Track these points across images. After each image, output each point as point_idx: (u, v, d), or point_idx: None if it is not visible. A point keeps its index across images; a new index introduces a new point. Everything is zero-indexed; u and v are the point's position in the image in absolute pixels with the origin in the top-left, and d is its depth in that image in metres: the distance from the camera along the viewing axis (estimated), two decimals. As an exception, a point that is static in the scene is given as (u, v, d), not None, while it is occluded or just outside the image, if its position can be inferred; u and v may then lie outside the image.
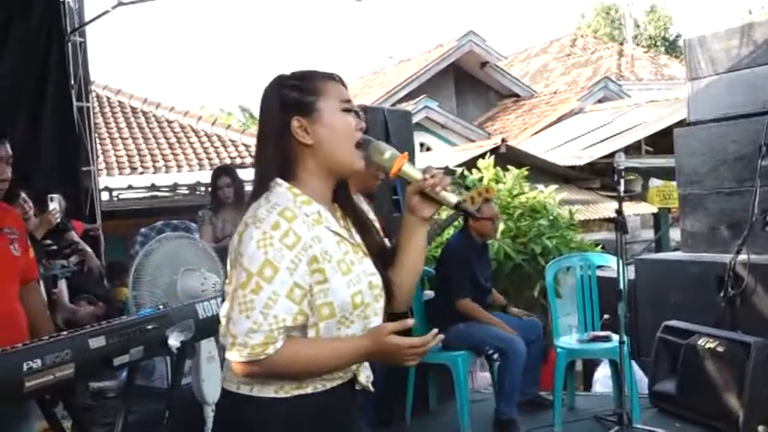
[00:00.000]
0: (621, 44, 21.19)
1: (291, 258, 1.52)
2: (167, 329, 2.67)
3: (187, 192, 8.71)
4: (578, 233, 8.05)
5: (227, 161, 10.70)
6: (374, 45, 59.03)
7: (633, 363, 5.72)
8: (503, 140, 10.31)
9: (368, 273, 1.66)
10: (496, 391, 4.48)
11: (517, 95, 16.13)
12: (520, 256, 6.91)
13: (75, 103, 5.97)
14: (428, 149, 13.90)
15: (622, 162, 4.08)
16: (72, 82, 5.97)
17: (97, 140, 10.32)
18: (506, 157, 9.55)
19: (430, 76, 14.97)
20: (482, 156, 8.59)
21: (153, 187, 8.83)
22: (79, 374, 2.28)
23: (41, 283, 4.03)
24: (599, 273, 4.82)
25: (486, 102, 16.25)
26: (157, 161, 11.02)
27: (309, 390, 1.62)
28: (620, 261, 4.05)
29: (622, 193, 4.18)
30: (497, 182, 7.61)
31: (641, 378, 4.98)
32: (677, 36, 26.98)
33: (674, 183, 5.71)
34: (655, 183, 11.36)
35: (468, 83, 15.82)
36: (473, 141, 13.08)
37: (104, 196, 7.92)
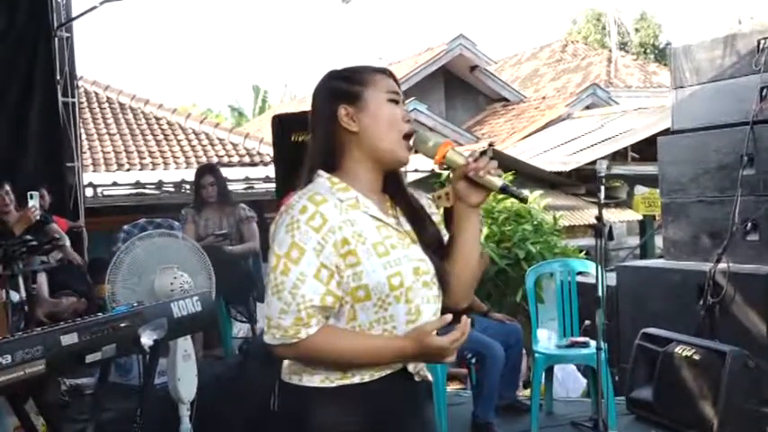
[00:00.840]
0: (611, 51, 21.28)
1: (318, 240, 1.56)
2: (140, 327, 2.66)
3: (173, 189, 8.69)
4: (563, 239, 8.06)
5: (215, 159, 10.68)
6: (364, 47, 59.04)
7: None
8: (489, 145, 10.33)
9: (413, 258, 1.66)
10: (474, 394, 4.49)
11: (506, 100, 16.17)
12: (503, 261, 6.93)
13: (60, 99, 5.95)
14: (416, 152, 13.90)
15: (603, 169, 4.10)
16: (58, 77, 5.94)
17: (84, 136, 10.32)
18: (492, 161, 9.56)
19: (419, 79, 14.98)
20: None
21: (138, 184, 8.80)
22: (50, 371, 2.27)
23: (20, 278, 4.04)
24: (581, 279, 4.83)
25: (475, 106, 16.28)
26: (144, 158, 10.97)
27: (356, 380, 1.62)
28: (599, 267, 4.07)
29: (603, 200, 4.17)
30: (483, 186, 7.61)
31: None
32: (667, 44, 27.13)
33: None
34: (640, 190, 11.41)
35: (457, 86, 15.85)
36: (461, 145, 13.10)
37: (89, 192, 7.87)
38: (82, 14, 6.04)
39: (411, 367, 1.67)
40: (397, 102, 1.70)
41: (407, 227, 1.71)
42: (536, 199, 7.88)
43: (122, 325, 2.57)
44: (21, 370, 2.15)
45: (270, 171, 9.27)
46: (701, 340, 4.40)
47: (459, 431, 4.37)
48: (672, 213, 5.47)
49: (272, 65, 58.43)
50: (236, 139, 11.89)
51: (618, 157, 11.73)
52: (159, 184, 8.88)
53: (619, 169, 11.41)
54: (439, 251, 1.73)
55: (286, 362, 1.69)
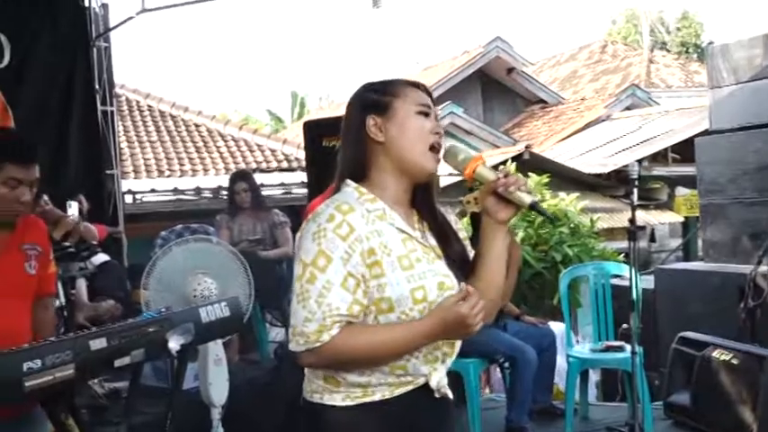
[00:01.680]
0: (651, 51, 20.95)
1: (345, 249, 1.56)
2: (167, 332, 2.68)
3: (210, 196, 8.81)
4: (602, 241, 7.99)
5: (253, 165, 10.77)
6: (401, 51, 59.06)
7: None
8: (526, 147, 10.27)
9: (438, 273, 1.65)
10: (508, 398, 4.46)
11: (544, 102, 16.04)
12: (540, 264, 6.89)
13: (99, 108, 6.07)
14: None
15: (635, 171, 4.05)
16: (97, 86, 6.07)
17: (125, 144, 10.50)
18: (529, 164, 9.50)
19: (456, 82, 14.93)
20: (504, 162, 8.56)
21: (176, 191, 8.94)
22: (80, 375, 2.30)
23: (59, 284, 4.14)
24: (618, 282, 4.79)
25: (512, 108, 16.17)
26: (184, 165, 11.12)
27: (377, 397, 1.62)
28: (633, 270, 4.02)
29: (637, 203, 4.13)
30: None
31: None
32: (709, 43, 26.61)
33: (700, 191, 5.65)
34: (681, 191, 11.23)
35: (494, 89, 15.76)
36: (499, 148, 13.04)
37: (128, 199, 8.02)
38: (119, 25, 6.17)
39: (433, 383, 1.66)
40: (427, 114, 1.71)
41: (433, 242, 1.71)
42: (573, 201, 7.82)
43: (150, 330, 2.58)
44: (50, 374, 2.18)
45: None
46: (740, 344, 4.32)
47: (492, 436, 4.36)
48: (710, 215, 5.38)
49: (310, 71, 58.81)
50: (275, 144, 11.98)
51: (658, 158, 11.56)
52: (197, 191, 9.01)
53: (659, 170, 11.25)
54: (464, 268, 1.72)
55: (307, 380, 1.69)
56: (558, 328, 5.04)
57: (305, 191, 8.74)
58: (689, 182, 10.36)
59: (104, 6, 6.17)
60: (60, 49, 5.79)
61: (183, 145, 11.67)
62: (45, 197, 4.66)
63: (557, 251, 6.97)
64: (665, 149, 11.48)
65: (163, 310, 2.92)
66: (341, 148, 1.75)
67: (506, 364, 4.35)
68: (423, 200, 1.75)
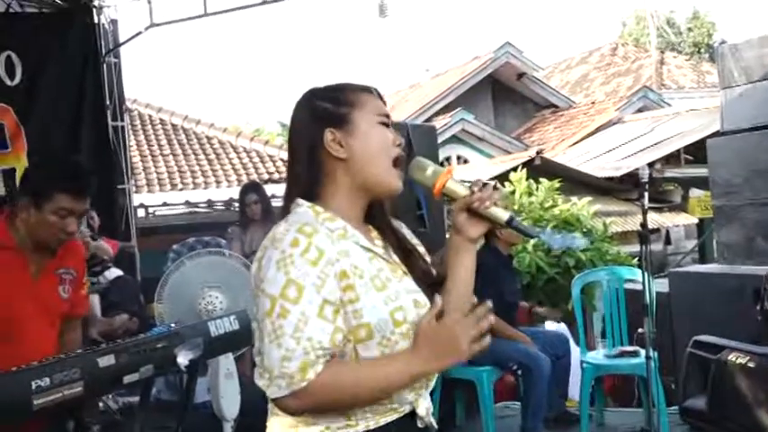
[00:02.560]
0: (663, 52, 20.86)
1: (317, 274, 1.39)
2: (176, 347, 2.69)
3: (223, 208, 8.84)
4: (615, 245, 7.93)
5: (265, 177, 10.82)
6: (410, 58, 59.11)
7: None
8: (537, 152, 10.23)
9: (410, 290, 1.52)
10: (522, 406, 4.43)
11: (555, 106, 16.01)
12: (553, 270, 6.85)
13: (110, 123, 6.10)
14: (465, 162, 13.87)
15: (646, 174, 4.02)
16: (107, 102, 6.10)
17: (138, 158, 10.55)
18: (541, 169, 9.48)
19: (467, 88, 14.95)
20: (515, 168, 8.54)
21: (188, 204, 8.97)
22: (88, 392, 2.31)
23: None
24: (632, 286, 4.75)
25: (523, 113, 16.16)
26: (197, 177, 11.21)
27: (361, 428, 1.46)
28: (646, 274, 3.98)
29: (648, 205, 4.09)
30: (530, 195, 7.56)
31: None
32: (721, 43, 26.43)
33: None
34: (695, 193, 11.16)
35: (505, 95, 15.77)
36: (510, 153, 13.01)
37: (140, 213, 8.07)
38: (128, 40, 6.21)
39: (422, 411, 1.53)
40: (387, 125, 1.56)
41: (396, 258, 1.57)
42: (585, 205, 7.77)
43: (159, 345, 2.60)
44: (59, 392, 2.18)
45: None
46: (756, 347, 4.25)
47: (507, 444, 4.34)
48: (724, 216, 5.33)
49: (319, 78, 58.81)
50: (286, 155, 12.01)
51: (671, 159, 11.50)
52: (209, 203, 9.04)
53: (672, 172, 11.19)
54: (430, 285, 1.58)
55: (277, 419, 1.49)
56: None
57: (316, 201, 8.76)
58: (702, 183, 10.29)
59: (114, 22, 6.19)
60: (70, 65, 5.83)
61: (195, 158, 11.77)
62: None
63: (569, 256, 6.93)
64: (678, 151, 11.42)
65: (172, 325, 2.93)
66: (289, 164, 1.59)
67: (519, 372, 4.32)
68: (379, 216, 1.60)
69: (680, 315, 5.32)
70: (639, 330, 4.67)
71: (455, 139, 13.63)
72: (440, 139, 9.48)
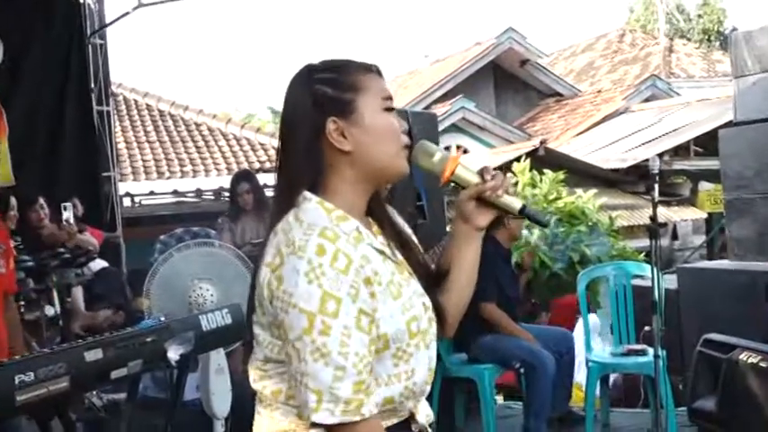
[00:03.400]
0: (672, 39, 20.61)
1: (350, 283, 1.30)
2: (166, 342, 2.63)
3: (212, 197, 8.69)
4: (621, 240, 7.79)
5: (257, 165, 10.66)
6: (409, 44, 58.74)
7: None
8: (541, 142, 10.07)
9: (418, 294, 1.45)
10: (525, 406, 4.32)
11: (560, 95, 15.80)
12: (557, 265, 6.70)
13: (95, 107, 5.94)
14: (465, 152, 13.69)
15: (656, 166, 3.86)
16: (92, 85, 5.94)
17: (123, 144, 10.39)
18: (545, 159, 9.31)
19: (467, 75, 14.72)
20: (518, 159, 8.37)
21: (176, 193, 8.83)
22: (74, 388, 2.27)
23: (55, 291, 4.03)
24: (640, 282, 4.64)
25: (526, 102, 15.95)
26: (185, 165, 11.03)
27: None
28: (655, 270, 3.83)
29: (659, 198, 3.95)
30: (533, 186, 7.41)
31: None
32: (732, 30, 26.17)
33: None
34: (705, 186, 10.99)
35: (507, 82, 15.55)
36: (512, 143, 12.82)
37: (126, 202, 7.95)
38: (115, 21, 6.05)
39: (422, 418, 1.48)
40: (391, 109, 1.45)
41: (399, 256, 1.48)
42: (590, 198, 7.61)
43: (148, 340, 2.55)
44: (44, 387, 2.14)
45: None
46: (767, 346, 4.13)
47: (509, 445, 4.21)
48: (736, 211, 5.19)
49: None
50: (280, 139, 11.85)
51: (680, 151, 11.32)
52: (198, 193, 8.90)
53: (681, 165, 11.02)
54: (427, 279, 1.51)
55: (267, 417, 1.42)
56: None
57: (310, 191, 8.63)
58: (712, 176, 10.12)
59: (99, 2, 6.04)
60: (54, 46, 5.69)
61: (183, 145, 11.56)
62: (41, 200, 4.55)
63: (574, 251, 6.79)
64: (688, 142, 11.24)
65: (162, 318, 2.85)
66: (288, 154, 1.44)
67: (522, 371, 4.18)
68: (377, 207, 1.50)
69: (688, 312, 5.20)
70: (646, 328, 4.55)
71: (455, 127, 13.43)
72: (439, 128, 9.31)
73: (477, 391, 4.19)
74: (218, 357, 3.48)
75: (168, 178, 10.40)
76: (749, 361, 3.99)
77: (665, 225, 10.53)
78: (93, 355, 2.31)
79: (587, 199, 7.54)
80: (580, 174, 9.78)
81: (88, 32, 5.93)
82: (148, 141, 11.53)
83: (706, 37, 25.95)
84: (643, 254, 7.52)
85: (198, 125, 12.18)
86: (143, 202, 8.57)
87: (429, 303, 1.47)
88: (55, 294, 3.98)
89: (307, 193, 1.40)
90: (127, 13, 5.92)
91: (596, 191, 8.27)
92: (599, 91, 15.68)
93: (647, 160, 10.24)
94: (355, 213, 1.42)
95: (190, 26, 71.93)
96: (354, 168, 1.42)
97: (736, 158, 5.16)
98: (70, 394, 2.29)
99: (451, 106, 13.30)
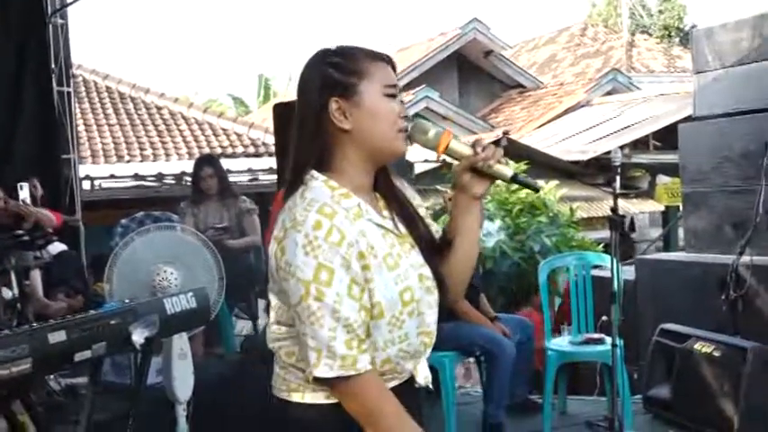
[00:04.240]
0: (633, 34, 20.85)
1: (342, 255, 1.46)
2: (131, 325, 2.61)
3: (173, 182, 8.58)
4: (581, 231, 7.88)
5: (218, 150, 10.55)
6: (373, 32, 58.40)
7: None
8: (504, 133, 10.13)
9: (417, 265, 1.60)
10: (484, 393, 4.35)
11: (522, 86, 15.88)
12: (517, 255, 6.75)
13: (55, 88, 5.80)
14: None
15: (618, 158, 3.90)
16: (53, 66, 5.80)
17: (83, 127, 10.19)
18: (507, 150, 9.34)
19: (431, 65, 14.69)
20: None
21: (137, 177, 8.70)
22: (37, 370, 2.25)
23: (13, 274, 3.95)
24: (598, 273, 4.70)
25: (490, 93, 16.00)
26: (145, 149, 10.85)
27: None
28: (614, 261, 3.89)
29: (620, 191, 4.00)
30: (496, 176, 7.42)
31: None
32: (692, 26, 26.51)
33: (684, 180, 5.55)
34: (663, 179, 11.15)
35: (471, 73, 15.56)
36: (476, 134, 12.87)
37: (86, 185, 7.78)
38: (76, 0, 5.90)
39: (421, 379, 1.65)
40: (394, 96, 1.58)
41: (403, 229, 1.62)
42: (551, 190, 7.68)
43: (113, 322, 2.53)
44: (6, 369, 2.11)
45: (275, 162, 9.15)
46: (722, 336, 4.25)
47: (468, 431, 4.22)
48: (693, 204, 5.28)
49: (276, 52, 57.67)
50: (241, 129, 11.76)
51: (639, 145, 11.47)
52: (159, 177, 8.78)
53: (640, 158, 11.16)
54: (431, 250, 1.65)
55: (277, 376, 1.60)
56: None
57: (273, 177, 8.58)
58: (670, 170, 10.29)
59: (60, -19, 5.89)
60: (13, 26, 5.55)
61: (143, 128, 11.38)
62: None
63: (534, 241, 6.84)
64: (647, 136, 11.39)
65: (126, 301, 2.83)
66: (297, 132, 1.58)
67: (482, 358, 4.21)
68: (385, 182, 1.64)
69: (645, 303, 5.28)
70: (604, 318, 4.61)
71: (418, 117, 13.41)
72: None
73: (437, 378, 4.23)
74: (180, 342, 3.47)
75: (128, 162, 10.22)
76: (703, 350, 4.09)
77: (623, 217, 10.69)
78: (57, 337, 2.30)
79: (548, 190, 7.60)
80: (542, 165, 9.86)
81: (49, 11, 5.78)
82: (108, 124, 11.31)
83: (666, 33, 26.26)
84: (601, 245, 7.62)
85: (159, 108, 11.99)
86: (103, 186, 8.42)
87: (428, 273, 1.61)
88: (13, 277, 3.89)
89: (314, 172, 1.55)
90: (87, -7, 5.78)
91: (557, 182, 8.34)
92: (561, 84, 15.81)
93: (607, 153, 10.44)
94: (361, 190, 1.57)
95: (147, 8, 70.46)
96: (355, 147, 1.56)
97: (695, 153, 5.23)
98: (33, 376, 2.28)
99: (415, 95, 13.27)
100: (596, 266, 4.74)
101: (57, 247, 4.77)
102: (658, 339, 4.47)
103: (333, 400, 1.54)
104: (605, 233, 9.72)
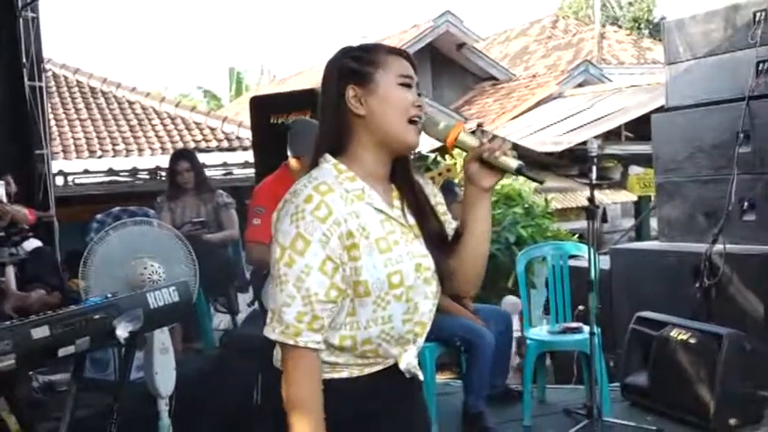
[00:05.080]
0: (603, 26, 21.01)
1: (324, 231, 1.52)
2: (115, 319, 2.59)
3: (147, 177, 8.50)
4: (555, 222, 7.94)
5: (192, 145, 10.47)
6: (346, 24, 58.18)
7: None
8: (478, 125, 10.16)
9: (416, 254, 1.63)
10: (464, 383, 4.36)
11: (495, 79, 15.93)
12: (493, 246, 6.77)
13: (27, 83, 5.71)
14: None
15: (595, 148, 3.95)
16: (24, 60, 5.70)
17: (53, 122, 10.06)
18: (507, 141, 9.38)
19: (405, 57, 14.69)
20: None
21: (110, 172, 8.60)
22: (21, 366, 2.24)
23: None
24: (574, 262, 4.72)
25: (463, 85, 16.02)
26: (117, 144, 10.72)
27: (345, 374, 1.62)
28: (592, 250, 3.93)
29: (595, 181, 4.04)
30: (471, 168, 7.45)
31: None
32: (661, 18, 26.77)
33: (655, 170, 5.61)
34: (635, 170, 11.26)
35: (444, 65, 15.57)
36: (450, 126, 12.89)
37: (59, 181, 7.68)
38: (47, -7, 5.81)
39: (403, 365, 1.66)
40: (409, 86, 1.64)
41: (412, 220, 1.67)
42: (526, 181, 7.73)
43: (96, 317, 2.51)
44: None
45: (249, 156, 9.08)
46: (697, 323, 4.31)
47: (449, 421, 4.24)
48: (666, 193, 5.34)
49: (247, 45, 57.19)
50: (214, 123, 11.67)
51: (611, 136, 11.56)
52: (133, 172, 8.71)
53: (612, 149, 11.25)
54: (441, 246, 1.69)
55: (277, 347, 1.65)
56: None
57: (247, 171, 8.55)
58: (642, 160, 10.41)
59: (31, -27, 5.78)
60: None
61: (115, 123, 11.25)
62: None
63: (510, 232, 6.89)
64: (619, 127, 11.48)
65: (109, 295, 2.79)
66: (319, 120, 1.68)
67: (462, 348, 4.23)
68: (402, 174, 1.69)
69: (620, 292, 5.34)
70: (580, 307, 4.65)
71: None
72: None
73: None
74: (162, 336, 3.43)
75: (100, 157, 10.09)
76: (679, 338, 4.14)
77: (597, 207, 10.77)
78: (41, 333, 2.28)
79: (524, 181, 7.65)
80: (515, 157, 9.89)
81: (20, 5, 5.68)
82: (80, 119, 11.16)
83: (636, 25, 26.53)
84: (576, 235, 7.69)
85: (131, 103, 11.86)
86: (76, 181, 8.31)
87: (428, 264, 1.65)
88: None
89: (327, 156, 1.62)
90: (58, -13, 5.68)
91: (533, 173, 8.38)
92: (533, 75, 15.87)
93: (581, 144, 10.52)
94: (373, 178, 1.63)
95: (115, 2, 69.34)
96: (369, 133, 1.62)
97: (668, 143, 5.28)
98: (17, 372, 2.26)
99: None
100: (571, 256, 4.77)
101: (31, 243, 4.71)
102: (635, 327, 4.51)
103: (327, 376, 1.59)
104: (579, 224, 9.86)
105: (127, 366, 2.87)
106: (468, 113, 14.70)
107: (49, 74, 11.02)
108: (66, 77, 12.21)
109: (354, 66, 1.63)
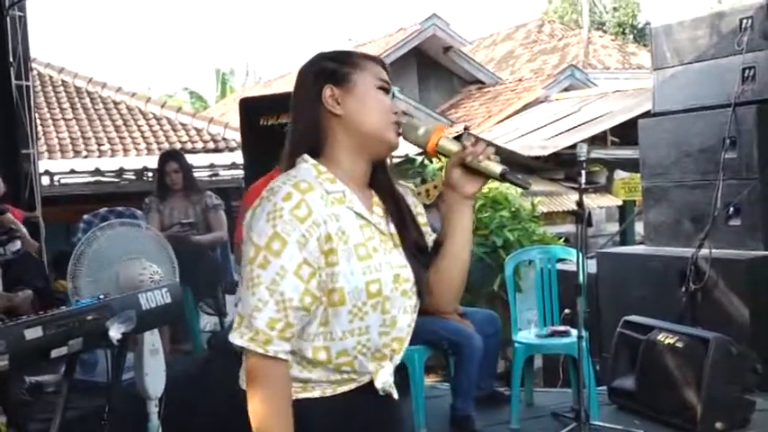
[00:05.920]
0: (589, 31, 21.13)
1: (302, 232, 1.43)
2: (108, 320, 2.58)
3: (134, 177, 8.46)
4: (541, 225, 7.94)
5: (178, 145, 10.41)
6: (332, 27, 58.19)
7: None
8: (465, 129, 10.18)
9: (394, 264, 1.54)
10: (452, 386, 4.36)
11: (481, 82, 15.97)
12: (480, 249, 6.78)
13: (14, 82, 5.67)
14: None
15: (584, 153, 3.97)
16: (11, 59, 5.66)
17: (39, 122, 9.98)
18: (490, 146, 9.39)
19: (391, 60, 14.62)
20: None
21: (97, 172, 8.55)
22: (14, 366, 2.22)
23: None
24: (561, 266, 4.74)
25: (449, 88, 16.04)
26: (103, 144, 10.64)
27: (316, 394, 1.52)
28: (580, 254, 3.95)
29: (584, 185, 4.06)
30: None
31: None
32: (646, 24, 26.95)
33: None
34: (620, 175, 11.31)
35: (430, 68, 15.58)
36: (438, 129, 12.90)
37: (45, 181, 7.61)
38: (34, -8, 5.75)
39: (378, 383, 1.56)
40: (387, 91, 1.59)
41: (392, 228, 1.58)
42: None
43: (89, 318, 2.50)
44: None
45: (236, 157, 9.09)
46: (684, 327, 4.34)
47: (437, 425, 4.25)
48: (653, 198, 5.39)
49: (233, 47, 57.07)
50: (200, 124, 11.62)
51: (597, 140, 11.61)
52: (120, 172, 8.65)
53: (598, 153, 11.29)
54: (421, 257, 1.60)
55: (243, 368, 1.54)
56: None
57: (234, 172, 8.53)
58: (628, 165, 10.45)
59: (18, -28, 5.74)
60: None
61: (101, 123, 11.16)
62: None
63: (497, 236, 6.87)
64: (604, 132, 11.54)
65: (101, 296, 2.77)
66: (292, 121, 1.60)
67: (450, 351, 4.23)
68: (382, 180, 1.62)
69: (606, 296, 5.37)
70: (567, 311, 4.66)
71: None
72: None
73: (406, 372, 4.21)
74: (152, 338, 3.42)
75: (86, 157, 10.01)
76: (666, 342, 4.16)
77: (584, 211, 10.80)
78: (33, 333, 2.26)
79: (509, 185, 7.65)
80: (502, 160, 9.87)
81: (7, 3, 5.64)
82: (65, 119, 11.07)
83: (621, 30, 26.71)
84: (562, 239, 7.72)
85: (116, 103, 11.78)
86: (62, 181, 8.25)
87: (407, 276, 1.56)
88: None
89: (306, 156, 1.55)
90: (44, -13, 5.65)
91: (519, 177, 8.39)
92: (520, 79, 15.92)
93: (567, 148, 10.56)
94: (352, 182, 1.55)
95: (101, 2, 68.96)
96: (347, 134, 1.55)
97: (655, 148, 5.33)
98: (9, 373, 2.25)
99: (374, 92, 13.23)
100: (560, 260, 4.79)
101: (17, 244, 4.65)
102: (622, 331, 4.53)
103: (298, 395, 1.50)
104: (565, 228, 9.88)
105: (119, 368, 2.86)
106: (454, 117, 14.72)
107: (34, 73, 10.94)
108: (51, 77, 12.11)
109: (332, 66, 1.58)
